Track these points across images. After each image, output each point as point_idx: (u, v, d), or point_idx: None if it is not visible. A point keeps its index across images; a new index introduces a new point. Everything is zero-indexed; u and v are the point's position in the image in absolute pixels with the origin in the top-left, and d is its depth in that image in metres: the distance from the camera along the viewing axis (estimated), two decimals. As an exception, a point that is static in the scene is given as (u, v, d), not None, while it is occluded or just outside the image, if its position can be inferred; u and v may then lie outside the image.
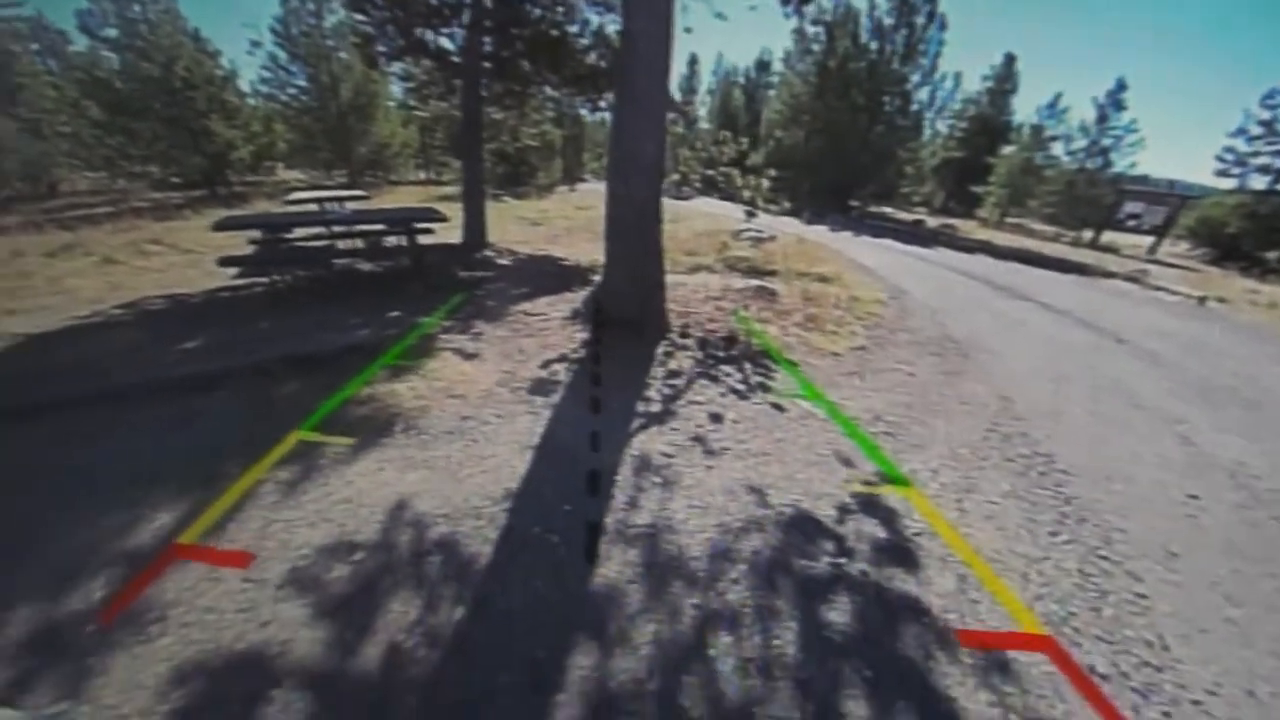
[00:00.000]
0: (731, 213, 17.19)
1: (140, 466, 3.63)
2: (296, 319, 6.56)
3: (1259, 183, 24.24)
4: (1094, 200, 26.91)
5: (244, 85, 29.39)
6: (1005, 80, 36.46)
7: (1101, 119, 27.90)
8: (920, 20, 28.28)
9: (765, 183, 14.73)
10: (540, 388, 5.07)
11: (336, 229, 9.24)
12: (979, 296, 10.25)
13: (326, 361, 5.37)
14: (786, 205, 24.31)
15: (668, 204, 6.90)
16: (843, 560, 3.07)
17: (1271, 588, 3.10)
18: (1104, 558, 3.23)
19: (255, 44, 29.91)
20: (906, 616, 2.71)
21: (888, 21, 28.55)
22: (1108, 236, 24.42)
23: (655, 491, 3.61)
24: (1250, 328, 9.51)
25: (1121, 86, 27.29)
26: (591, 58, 10.71)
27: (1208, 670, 2.54)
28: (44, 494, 3.38)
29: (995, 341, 7.31)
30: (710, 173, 15.49)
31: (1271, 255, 21.68)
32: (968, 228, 26.34)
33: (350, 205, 11.43)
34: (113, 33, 23.06)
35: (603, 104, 11.86)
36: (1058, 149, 30.70)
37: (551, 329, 6.62)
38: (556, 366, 5.56)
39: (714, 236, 13.90)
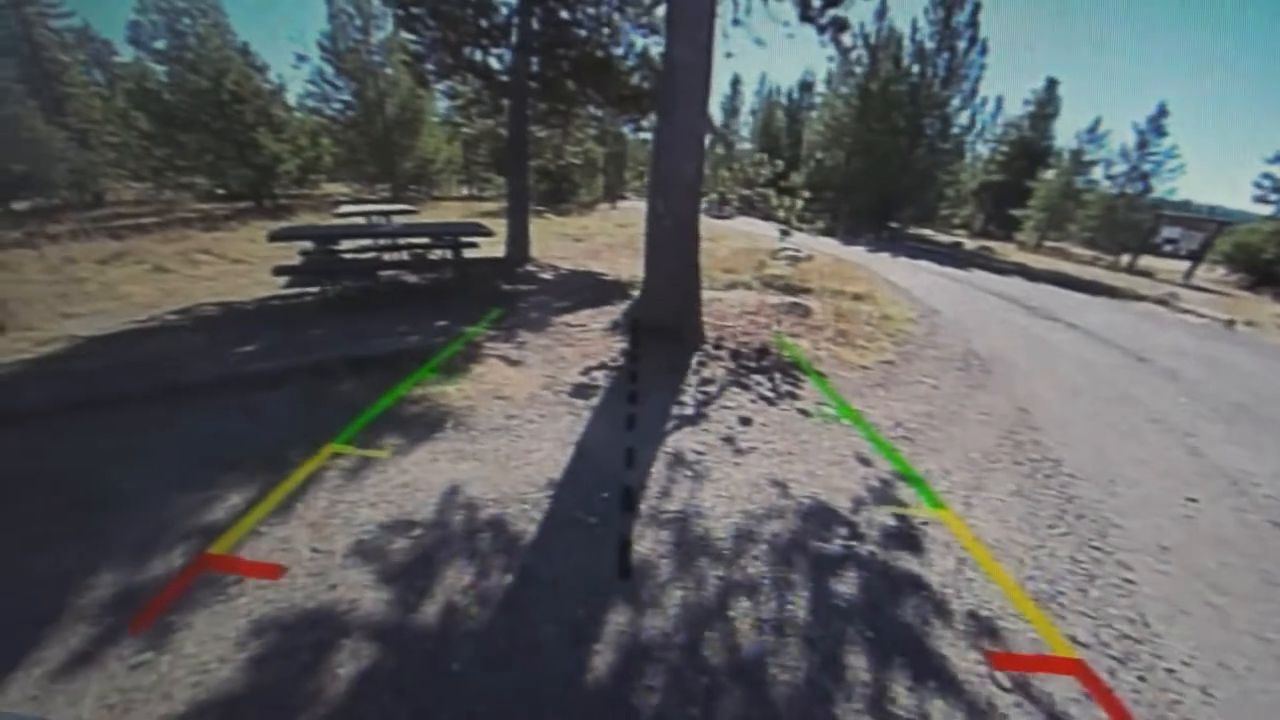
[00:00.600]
0: (769, 232, 17.32)
1: (213, 453, 3.97)
2: (347, 326, 6.89)
3: (1296, 210, 23.94)
4: (1133, 225, 26.68)
5: (290, 99, 30.10)
6: (1047, 104, 36.25)
7: (1142, 144, 27.70)
8: (962, 44, 28.38)
9: (800, 203, 15.01)
10: (581, 392, 5.40)
11: (383, 241, 9.73)
12: (1009, 317, 10.41)
13: (379, 364, 5.68)
14: (820, 225, 24.52)
15: (707, 223, 7.20)
16: (854, 543, 3.38)
17: (1256, 580, 3.32)
18: (1097, 548, 3.49)
19: (302, 58, 30.48)
20: (907, 590, 3.02)
21: (930, 45, 28.72)
22: (1145, 261, 24.21)
23: (686, 483, 3.94)
24: (1275, 350, 9.53)
25: (1163, 112, 27.11)
26: (635, 79, 11.07)
27: (1184, 645, 2.79)
28: (125, 477, 3.65)
29: (1020, 358, 7.50)
30: (747, 193, 15.84)
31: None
32: (1006, 250, 26.29)
33: (397, 219, 11.93)
34: (161, 45, 23.53)
35: (645, 124, 12.24)
36: (1098, 173, 30.57)
37: (592, 339, 6.93)
38: (596, 374, 5.88)
39: (751, 255, 14.17)
